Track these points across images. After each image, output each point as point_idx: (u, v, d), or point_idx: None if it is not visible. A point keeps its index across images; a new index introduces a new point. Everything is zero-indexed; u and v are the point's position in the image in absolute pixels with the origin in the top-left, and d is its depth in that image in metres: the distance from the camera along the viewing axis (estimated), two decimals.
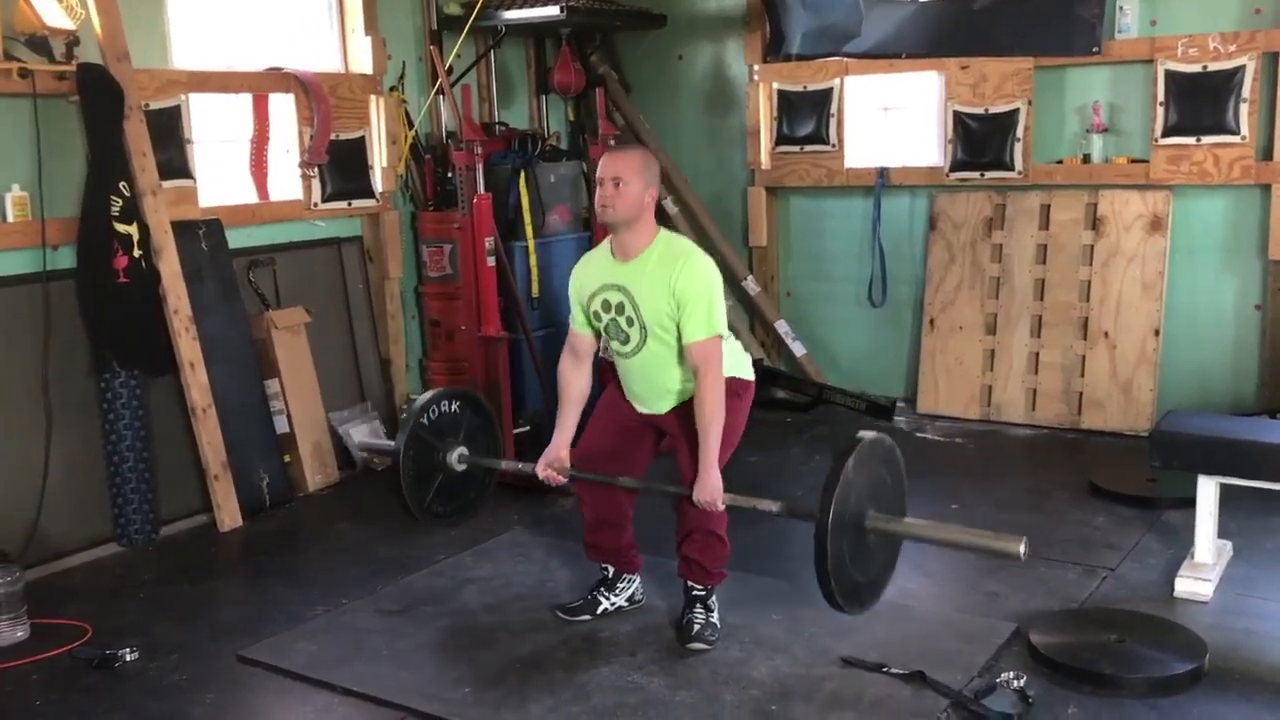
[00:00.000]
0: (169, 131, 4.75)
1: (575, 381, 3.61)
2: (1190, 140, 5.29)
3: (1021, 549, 2.98)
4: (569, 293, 3.59)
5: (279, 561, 4.43)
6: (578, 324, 3.58)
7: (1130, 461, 4.93)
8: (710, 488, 3.31)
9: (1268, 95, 5.14)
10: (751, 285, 6.50)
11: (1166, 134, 5.34)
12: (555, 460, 3.59)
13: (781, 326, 6.47)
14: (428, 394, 3.92)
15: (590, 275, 3.51)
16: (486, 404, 4.07)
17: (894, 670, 3.24)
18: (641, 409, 3.54)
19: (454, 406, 3.92)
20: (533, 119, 6.55)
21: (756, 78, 6.36)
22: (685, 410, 3.42)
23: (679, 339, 3.36)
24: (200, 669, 3.49)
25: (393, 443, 3.79)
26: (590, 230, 5.90)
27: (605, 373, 3.71)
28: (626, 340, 3.44)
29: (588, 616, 3.67)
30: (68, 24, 4.23)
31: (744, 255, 6.60)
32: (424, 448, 3.82)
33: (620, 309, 3.41)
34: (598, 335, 3.56)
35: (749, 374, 3.57)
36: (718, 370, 3.32)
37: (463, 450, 3.88)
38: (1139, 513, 4.47)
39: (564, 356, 3.64)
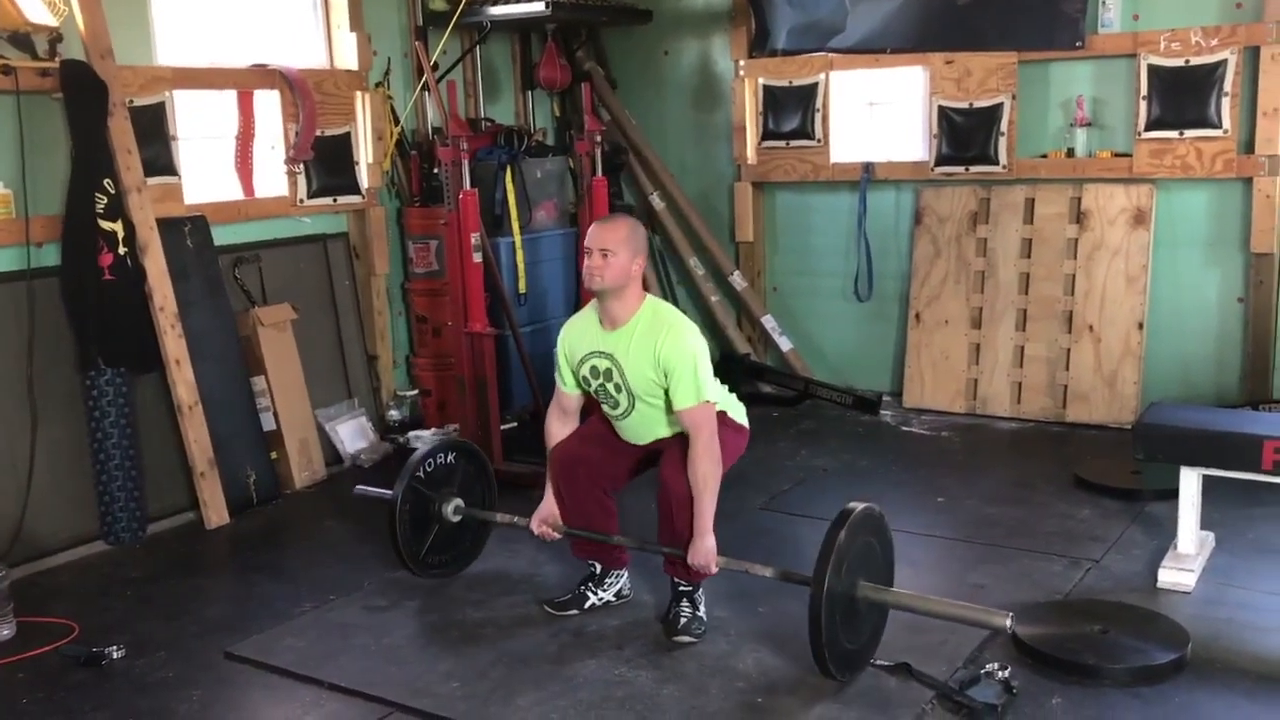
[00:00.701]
0: (154, 128, 4.74)
1: (563, 438, 3.68)
2: (1173, 134, 5.32)
3: (1008, 623, 3.04)
4: (556, 352, 3.66)
5: (266, 558, 4.43)
6: (565, 384, 3.65)
7: (1115, 454, 4.96)
8: (704, 551, 3.38)
9: (1249, 89, 5.17)
10: (738, 280, 6.52)
11: (1149, 128, 5.37)
12: (548, 517, 3.67)
13: (768, 321, 6.48)
14: (425, 447, 4.00)
15: (578, 340, 3.58)
16: (482, 454, 4.14)
17: (880, 662, 3.26)
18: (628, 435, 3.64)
19: (450, 458, 3.99)
20: (518, 114, 6.55)
21: (742, 73, 6.37)
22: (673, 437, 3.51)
23: (667, 407, 3.45)
24: (187, 666, 3.49)
25: (390, 491, 3.84)
26: (576, 226, 5.90)
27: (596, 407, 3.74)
28: (616, 405, 3.54)
29: (575, 611, 3.69)
30: (51, 20, 4.22)
31: (730, 250, 6.61)
32: (420, 500, 3.88)
33: (609, 375, 3.49)
34: (586, 394, 3.64)
35: (744, 420, 3.66)
36: (710, 435, 3.39)
37: (459, 502, 3.94)
38: (1123, 504, 4.50)
39: (551, 412, 3.73)
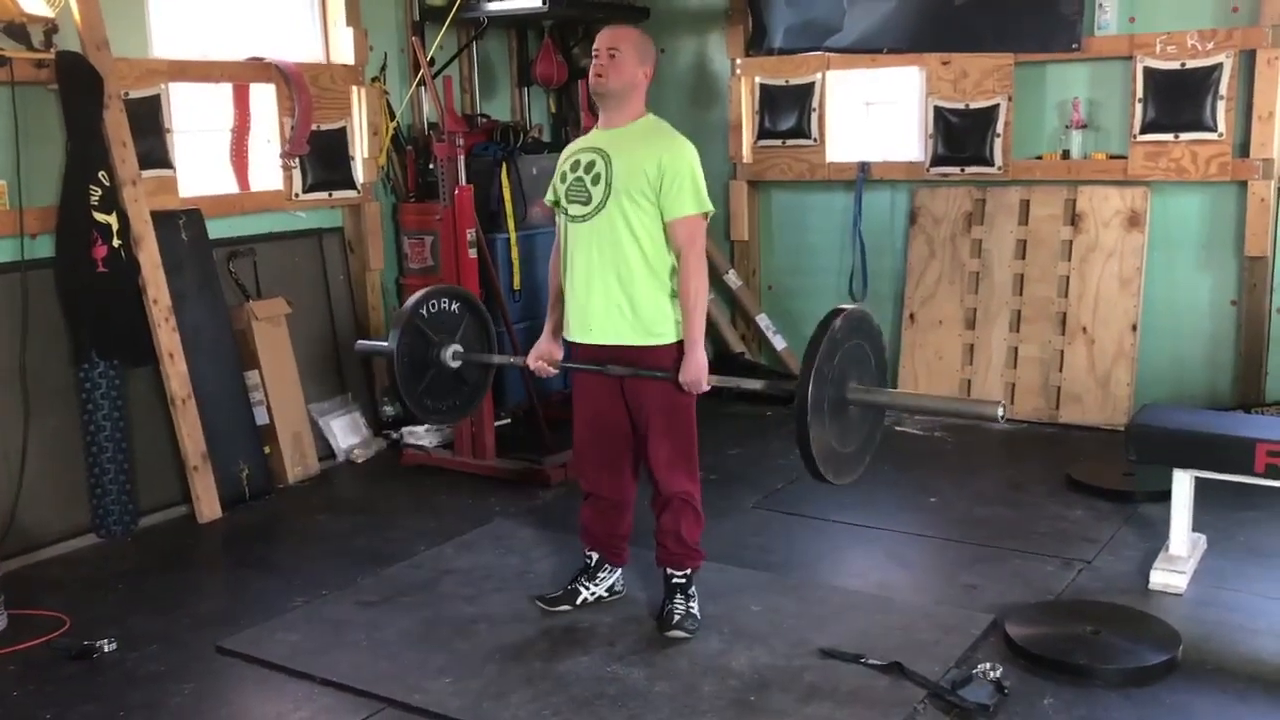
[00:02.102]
0: (149, 121, 4.72)
1: (561, 274, 3.57)
2: (1168, 137, 5.33)
3: (1000, 411, 2.97)
4: (550, 186, 3.51)
5: (258, 553, 4.43)
6: (558, 210, 3.51)
7: (1107, 455, 4.97)
8: (695, 366, 3.32)
9: (1244, 93, 5.18)
10: (733, 279, 6.52)
11: (1145, 130, 5.38)
12: (545, 352, 3.61)
13: (763, 320, 6.49)
14: (425, 289, 3.86)
15: (571, 149, 3.49)
16: (483, 306, 4.03)
17: (872, 661, 3.26)
18: (583, 331, 3.44)
19: (453, 306, 3.87)
20: (515, 111, 6.54)
21: (739, 72, 6.38)
22: (647, 384, 3.38)
23: (643, 219, 3.29)
24: (179, 660, 3.48)
25: (387, 343, 3.74)
26: None
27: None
28: (587, 200, 3.35)
29: (568, 607, 3.68)
30: (46, 11, 4.21)
31: (726, 249, 6.61)
32: (419, 340, 3.76)
33: (590, 167, 3.37)
34: (560, 207, 3.46)
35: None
36: (700, 250, 3.32)
37: (457, 348, 3.83)
38: (1115, 506, 4.51)
39: (552, 253, 3.61)
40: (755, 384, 3.29)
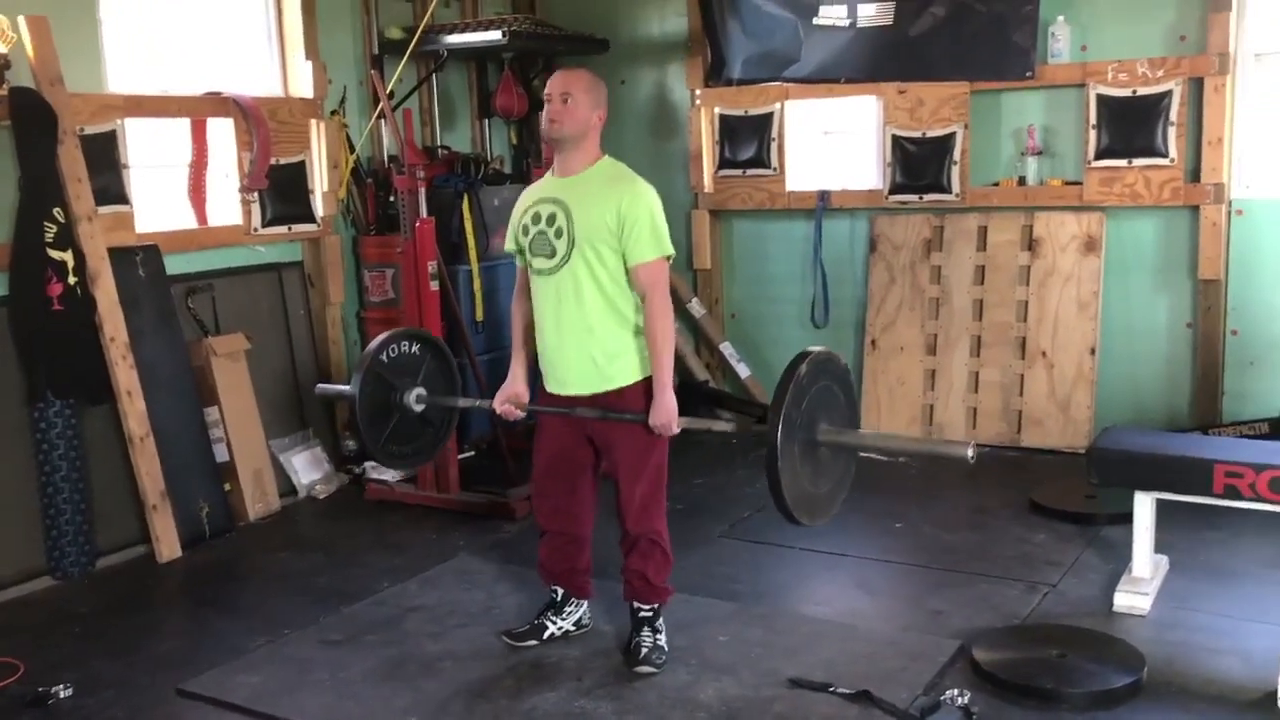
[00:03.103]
0: (105, 156, 4.68)
1: (524, 316, 3.57)
2: (1122, 163, 5.41)
3: (969, 452, 2.96)
4: (509, 230, 3.51)
5: (219, 592, 4.36)
6: (520, 257, 3.50)
7: (1069, 478, 5.01)
8: (664, 410, 3.30)
9: (1194, 119, 5.28)
10: (696, 308, 6.53)
11: (1099, 156, 5.46)
12: (513, 395, 3.58)
13: (726, 348, 6.50)
14: (386, 333, 3.82)
15: (529, 196, 3.48)
16: (446, 348, 3.98)
17: (840, 690, 3.25)
18: (558, 382, 3.43)
19: (413, 348, 3.83)
20: (475, 143, 6.54)
21: (698, 102, 6.42)
22: (613, 425, 3.38)
23: (607, 268, 3.29)
24: (139, 704, 3.41)
25: (348, 388, 3.70)
26: None
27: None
28: (551, 255, 3.34)
29: (534, 642, 3.65)
30: None
31: (688, 278, 6.63)
32: (381, 386, 3.72)
33: (551, 220, 3.35)
34: (524, 258, 3.46)
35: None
36: (664, 292, 3.31)
37: (420, 391, 3.78)
38: (1078, 529, 4.54)
39: (516, 293, 3.60)
40: (726, 425, 3.29)
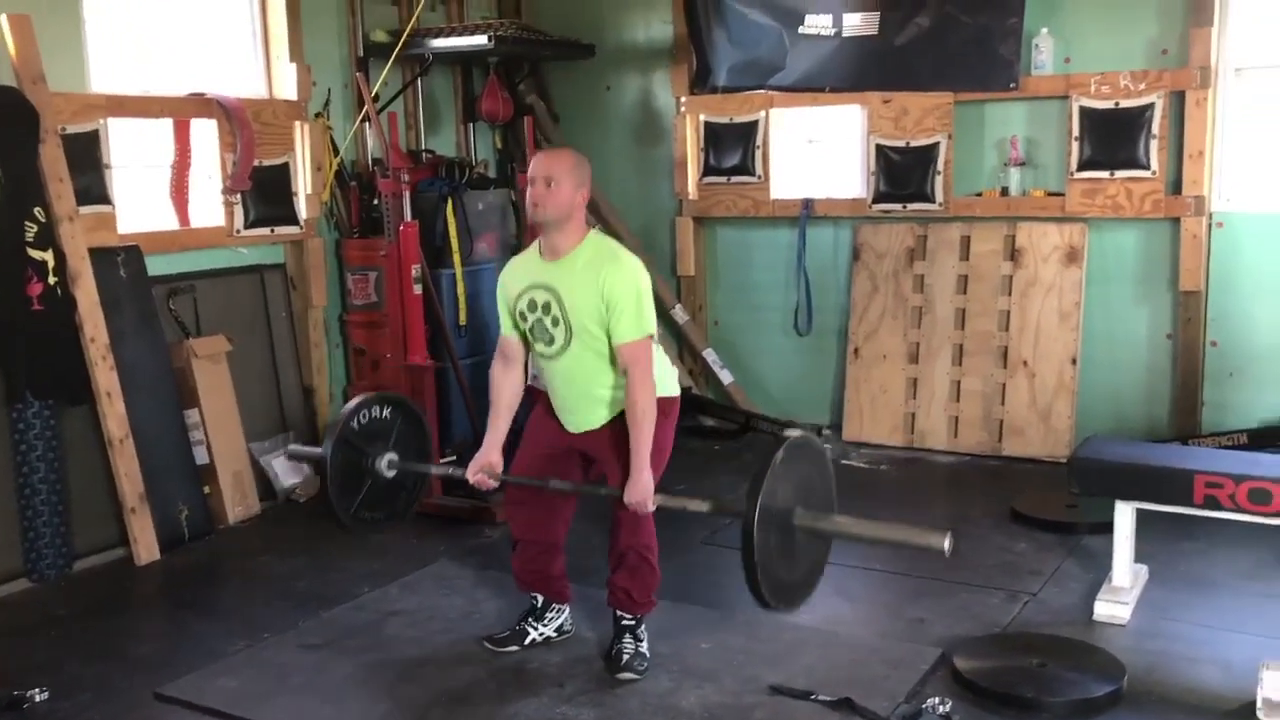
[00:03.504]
0: (87, 156, 4.64)
1: (506, 386, 3.58)
2: (1104, 174, 5.45)
3: (946, 543, 2.96)
4: (497, 295, 3.55)
5: (198, 596, 4.33)
6: (506, 328, 3.55)
7: (1050, 487, 5.03)
8: (641, 488, 3.30)
9: (1176, 132, 5.32)
10: (680, 314, 6.54)
11: (1081, 168, 5.49)
12: (486, 464, 3.55)
13: (709, 355, 6.51)
14: (358, 398, 3.80)
15: (518, 276, 3.49)
16: (418, 410, 3.98)
17: (822, 697, 3.25)
18: (570, 424, 3.50)
19: (385, 412, 3.81)
20: (460, 147, 6.53)
21: (683, 109, 6.42)
22: (613, 433, 3.41)
23: (607, 342, 3.34)
24: (116, 708, 3.38)
25: (320, 449, 3.68)
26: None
27: (535, 395, 3.68)
28: (551, 341, 3.41)
29: (515, 647, 3.64)
30: None
31: (672, 284, 6.63)
32: (353, 452, 3.71)
33: (546, 308, 3.39)
34: (525, 338, 3.52)
35: (674, 390, 3.55)
36: (647, 370, 3.32)
37: (392, 456, 3.77)
38: (1059, 538, 4.56)
39: (495, 361, 3.61)
40: (702, 506, 3.30)
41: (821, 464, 3.25)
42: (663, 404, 3.42)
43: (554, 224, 3.34)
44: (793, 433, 3.13)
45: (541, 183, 3.32)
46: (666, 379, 3.51)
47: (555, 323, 3.38)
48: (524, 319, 3.46)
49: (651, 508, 3.33)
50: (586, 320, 3.33)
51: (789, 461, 3.06)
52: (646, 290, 3.35)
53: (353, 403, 3.78)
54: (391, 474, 3.76)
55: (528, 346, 3.54)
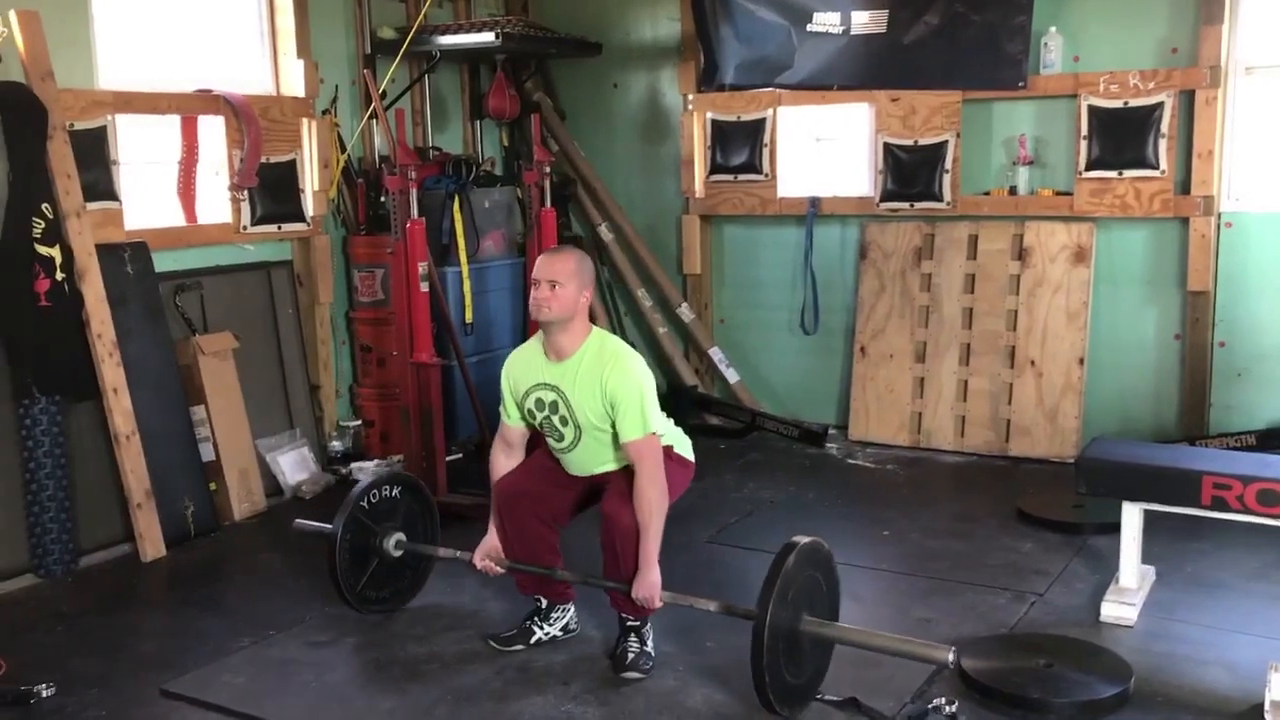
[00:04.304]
0: (95, 152, 4.65)
1: (508, 471, 3.66)
2: (1112, 174, 5.43)
3: (950, 656, 3.03)
4: (501, 384, 3.63)
5: (204, 592, 4.33)
6: (510, 417, 3.62)
7: (1056, 488, 5.02)
8: (648, 584, 3.36)
9: (1185, 131, 5.30)
10: (686, 312, 6.53)
11: (1090, 167, 5.47)
12: (491, 551, 3.63)
13: (715, 353, 6.50)
14: (368, 478, 3.92)
15: (523, 373, 3.57)
16: (426, 490, 4.07)
17: (828, 697, 3.25)
18: (576, 474, 3.62)
19: (394, 491, 3.92)
20: (467, 144, 6.54)
21: (691, 107, 6.41)
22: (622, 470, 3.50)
23: (612, 435, 3.44)
24: (121, 704, 3.38)
25: (329, 525, 3.76)
26: (524, 256, 5.89)
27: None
28: (562, 438, 3.52)
29: (521, 646, 3.64)
30: None
31: (678, 282, 6.63)
32: (361, 531, 3.80)
33: (554, 408, 3.48)
34: (530, 427, 3.61)
35: (690, 454, 3.66)
36: (654, 466, 3.38)
37: (400, 536, 3.87)
38: (1065, 538, 4.54)
39: (496, 446, 3.70)
40: (710, 605, 3.35)
41: (827, 568, 3.30)
42: (677, 457, 3.56)
43: (558, 324, 3.42)
44: (801, 539, 3.16)
45: (546, 285, 3.39)
46: (683, 442, 3.65)
47: (564, 421, 3.47)
48: (533, 416, 3.55)
49: (658, 604, 3.39)
50: (593, 418, 3.42)
51: (798, 567, 3.11)
52: (649, 388, 3.43)
53: (363, 482, 3.89)
54: (398, 554, 3.86)
55: (530, 430, 3.63)
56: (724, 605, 3.35)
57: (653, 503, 3.33)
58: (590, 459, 3.53)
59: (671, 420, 3.64)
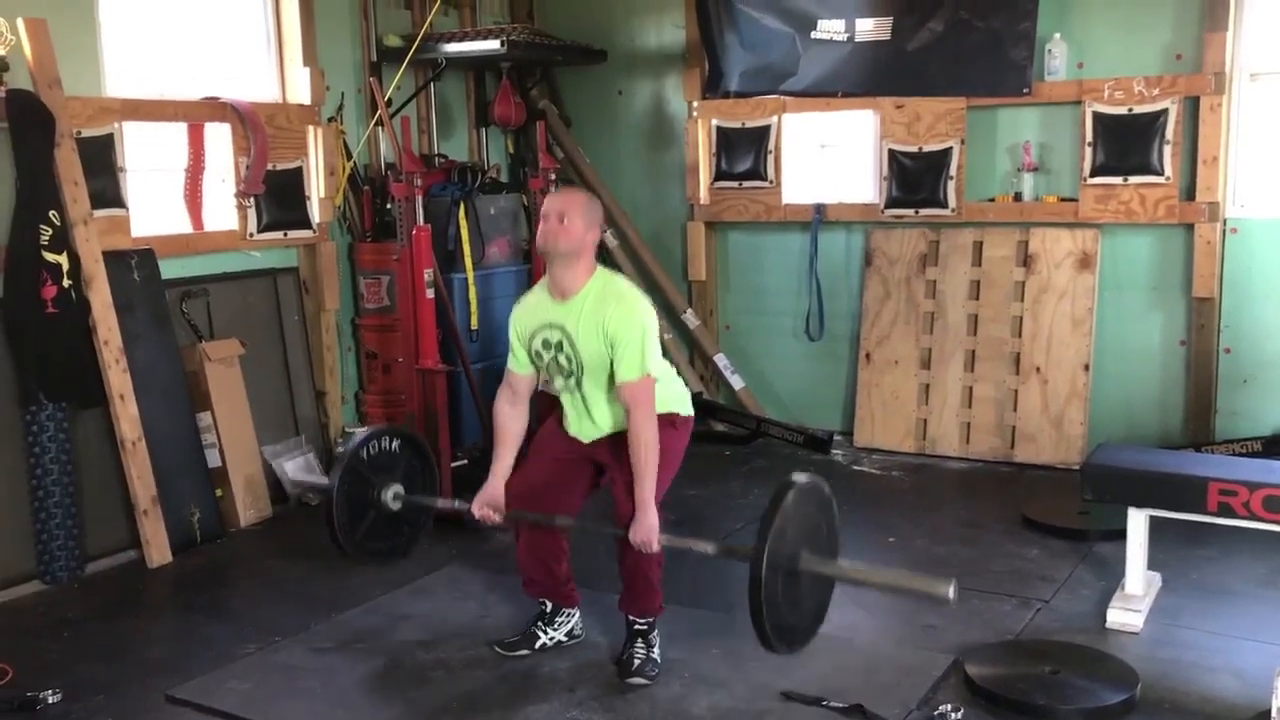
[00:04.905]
0: (102, 160, 4.66)
1: (512, 421, 3.62)
2: (1117, 180, 5.43)
3: (950, 591, 2.98)
4: (510, 333, 3.61)
5: (210, 598, 4.34)
6: (518, 364, 3.59)
7: (1062, 494, 5.02)
8: (646, 527, 3.32)
9: (1190, 138, 5.30)
10: (691, 319, 6.54)
11: (1094, 174, 5.47)
12: (491, 499, 3.57)
13: (721, 360, 6.50)
14: (368, 429, 3.85)
15: (530, 315, 3.55)
16: (427, 445, 4.02)
17: (834, 704, 3.25)
18: (581, 436, 3.56)
19: (394, 445, 3.87)
20: (472, 151, 6.55)
21: (695, 114, 6.42)
22: (623, 442, 3.42)
23: (611, 379, 3.40)
24: (127, 710, 3.39)
25: (327, 480, 3.71)
26: (530, 263, 5.90)
27: (543, 407, 3.69)
28: (568, 375, 3.48)
29: (526, 651, 3.64)
30: None
31: (683, 289, 6.63)
32: (359, 482, 3.75)
33: (559, 347, 3.45)
34: (538, 372, 3.58)
35: (688, 410, 3.61)
36: (648, 410, 3.35)
37: (398, 489, 3.82)
38: (1071, 545, 4.54)
39: (500, 395, 3.65)
40: (708, 547, 3.32)
41: (827, 508, 3.27)
42: (674, 418, 3.49)
43: (564, 259, 3.40)
44: (800, 477, 3.12)
45: (554, 218, 3.38)
46: (680, 398, 3.58)
47: (568, 360, 3.45)
48: (539, 358, 3.53)
49: (656, 547, 3.35)
50: (595, 359, 3.40)
51: (796, 506, 3.08)
52: (652, 330, 3.40)
53: (363, 433, 3.83)
54: (396, 506, 3.81)
55: (537, 376, 3.60)
56: (722, 547, 3.31)
57: (648, 443, 3.31)
58: (592, 405, 3.47)
59: (674, 369, 3.58)
